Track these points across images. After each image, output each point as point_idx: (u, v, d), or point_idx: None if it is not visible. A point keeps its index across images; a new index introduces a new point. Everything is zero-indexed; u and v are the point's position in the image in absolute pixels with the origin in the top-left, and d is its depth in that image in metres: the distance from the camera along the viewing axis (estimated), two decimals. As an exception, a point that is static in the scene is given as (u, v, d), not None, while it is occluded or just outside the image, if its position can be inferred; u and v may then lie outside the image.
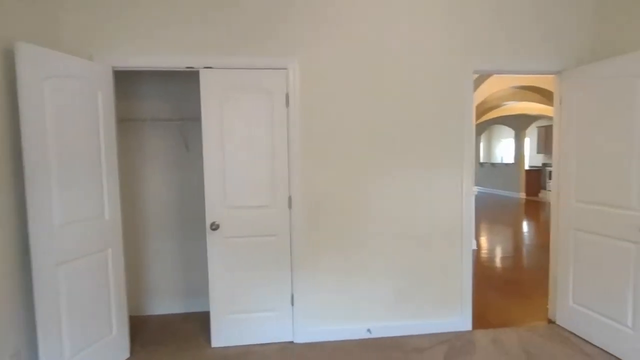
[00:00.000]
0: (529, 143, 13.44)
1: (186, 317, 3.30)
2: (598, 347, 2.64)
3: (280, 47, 2.69)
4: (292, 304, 2.81)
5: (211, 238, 2.69)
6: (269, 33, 2.67)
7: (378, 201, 2.84)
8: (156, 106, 3.28)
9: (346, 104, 2.77)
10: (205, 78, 2.62)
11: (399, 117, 2.82)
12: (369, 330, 2.87)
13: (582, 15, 2.88)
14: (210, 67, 2.62)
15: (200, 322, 3.18)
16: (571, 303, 2.88)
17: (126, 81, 3.23)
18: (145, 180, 3.30)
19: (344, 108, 2.77)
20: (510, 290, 3.88)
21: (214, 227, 2.66)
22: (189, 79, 3.28)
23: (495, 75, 5.41)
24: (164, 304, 3.38)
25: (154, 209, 3.33)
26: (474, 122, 2.86)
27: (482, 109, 8.66)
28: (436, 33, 2.80)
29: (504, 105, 8.68)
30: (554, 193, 3.07)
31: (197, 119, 3.18)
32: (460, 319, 2.95)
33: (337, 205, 2.81)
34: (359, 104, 2.78)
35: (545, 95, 5.82)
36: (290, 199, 2.76)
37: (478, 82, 5.25)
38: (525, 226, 7.64)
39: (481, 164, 14.31)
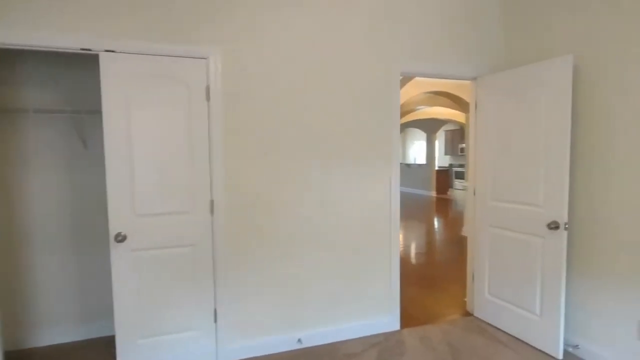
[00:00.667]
0: (438, 145, 14.60)
1: (86, 344, 2.80)
2: (511, 335, 2.84)
3: (200, 34, 2.40)
4: (215, 321, 2.54)
5: (116, 251, 2.30)
6: (189, 18, 2.37)
7: (308, 203, 2.71)
8: (42, 95, 2.72)
9: (275, 102, 2.59)
10: (106, 64, 2.22)
11: (330, 116, 2.72)
12: (299, 340, 2.72)
13: (492, 26, 3.09)
14: (112, 51, 2.23)
15: (104, 349, 2.72)
16: (487, 295, 3.07)
17: (1, 63, 2.63)
18: (27, 184, 2.72)
19: (272, 105, 2.58)
20: (428, 285, 4.06)
21: (120, 238, 2.27)
22: (86, 63, 2.79)
23: (414, 80, 5.67)
24: (57, 331, 2.83)
25: (41, 218, 2.76)
26: (399, 122, 2.89)
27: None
28: (368, 34, 2.76)
29: (418, 109, 9.24)
30: (471, 192, 3.25)
31: (97, 111, 2.72)
32: (389, 319, 2.96)
33: (264, 209, 2.61)
34: (289, 101, 2.62)
35: (454, 101, 6.30)
36: (212, 203, 2.49)
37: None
38: (436, 222, 8.21)
39: (397, 165, 15.16)
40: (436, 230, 7.34)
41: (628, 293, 2.29)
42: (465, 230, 6.48)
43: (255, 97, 2.54)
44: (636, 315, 2.25)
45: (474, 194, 3.18)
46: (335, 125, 2.74)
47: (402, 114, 9.09)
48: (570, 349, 2.58)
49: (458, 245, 5.96)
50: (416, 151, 16.18)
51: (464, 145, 13.11)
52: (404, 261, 5.09)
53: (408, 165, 14.54)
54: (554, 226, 2.48)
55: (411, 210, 10.03)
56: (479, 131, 3.11)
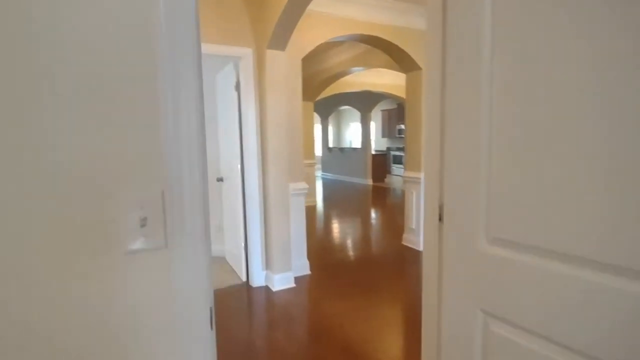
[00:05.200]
0: (374, 127, 13.03)
1: None
2: None
3: None
4: None
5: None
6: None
7: None
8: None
9: None
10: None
11: None
12: None
13: None
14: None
15: None
16: None
17: None
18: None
19: None
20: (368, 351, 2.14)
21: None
22: None
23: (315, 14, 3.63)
24: None
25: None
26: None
27: (320, 80, 7.07)
28: None
29: (351, 72, 7.14)
30: (430, 211, 1.32)
31: None
32: None
33: None
34: None
35: (393, 54, 4.39)
36: None
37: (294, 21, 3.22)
38: (374, 222, 6.46)
39: (329, 149, 13.40)
40: (374, 234, 5.57)
41: None
42: (407, 239, 4.73)
43: None
44: None
45: (440, 218, 1.25)
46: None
47: (331, 79, 7.12)
48: None
49: (401, 260, 4.19)
50: (351, 134, 14.56)
51: (402, 126, 11.59)
52: (326, 290, 3.17)
53: (342, 149, 12.82)
54: None
55: (344, 205, 8.23)
56: (450, 72, 1.15)
